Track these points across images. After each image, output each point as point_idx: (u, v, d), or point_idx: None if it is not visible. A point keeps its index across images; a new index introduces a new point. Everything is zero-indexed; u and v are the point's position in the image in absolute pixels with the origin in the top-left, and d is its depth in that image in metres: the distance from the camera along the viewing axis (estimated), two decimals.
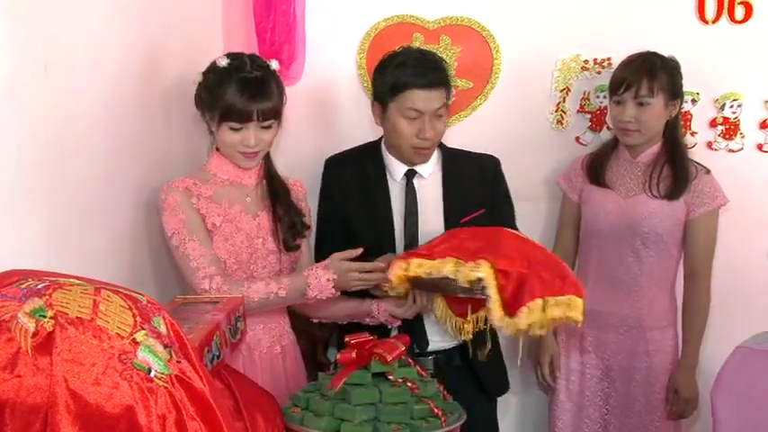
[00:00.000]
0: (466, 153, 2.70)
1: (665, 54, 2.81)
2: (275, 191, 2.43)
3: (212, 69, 2.32)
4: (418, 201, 2.58)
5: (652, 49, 2.82)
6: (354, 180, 2.62)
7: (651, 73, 2.72)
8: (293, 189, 2.50)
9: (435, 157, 2.62)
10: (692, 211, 2.79)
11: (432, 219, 2.57)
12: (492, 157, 2.71)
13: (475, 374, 2.62)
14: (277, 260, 2.39)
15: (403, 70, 2.47)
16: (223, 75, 2.28)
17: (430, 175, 2.60)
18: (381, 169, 2.61)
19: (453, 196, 2.59)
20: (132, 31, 2.32)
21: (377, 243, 2.50)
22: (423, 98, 2.45)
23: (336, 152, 2.76)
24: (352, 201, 2.61)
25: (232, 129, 2.27)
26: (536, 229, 3.02)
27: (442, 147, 2.65)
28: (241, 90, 2.25)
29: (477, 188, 2.63)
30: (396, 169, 2.60)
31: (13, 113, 1.74)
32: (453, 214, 2.56)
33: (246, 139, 2.28)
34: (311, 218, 2.58)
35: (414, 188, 2.59)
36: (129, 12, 2.29)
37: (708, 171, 2.84)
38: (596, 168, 2.87)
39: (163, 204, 2.29)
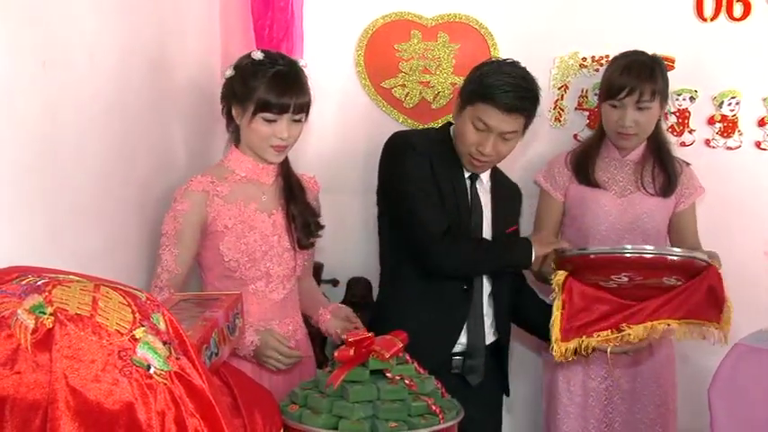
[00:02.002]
0: (501, 171, 2.74)
1: (651, 52, 2.82)
2: (291, 189, 2.44)
3: (248, 62, 2.34)
4: (482, 204, 2.61)
5: (651, 48, 2.83)
6: (438, 160, 2.56)
7: (652, 78, 2.73)
8: (308, 186, 2.52)
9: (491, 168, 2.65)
10: (680, 203, 2.87)
11: (483, 224, 2.60)
12: (516, 185, 2.80)
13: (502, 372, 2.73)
14: (292, 258, 2.41)
15: (494, 84, 2.44)
16: (259, 67, 2.31)
17: (486, 183, 2.63)
18: (458, 161, 2.58)
19: (499, 208, 2.64)
20: (130, 28, 2.31)
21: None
22: (496, 118, 2.43)
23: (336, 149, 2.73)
24: (438, 179, 2.55)
25: (267, 120, 2.29)
26: None
27: None
28: (279, 82, 2.29)
29: (510, 207, 2.72)
30: (465, 167, 2.59)
31: (10, 110, 1.73)
32: (498, 225, 2.62)
33: (279, 132, 2.30)
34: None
35: (476, 190, 2.60)
36: (126, 9, 2.29)
37: (688, 164, 2.91)
38: (585, 168, 2.87)
39: (173, 203, 2.33)
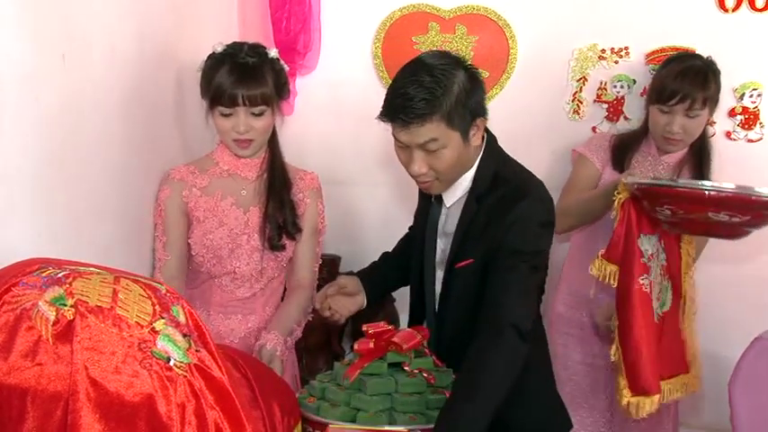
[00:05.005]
0: (504, 182, 2.12)
1: (700, 52, 2.79)
2: (273, 186, 2.40)
3: (210, 56, 2.32)
4: (441, 225, 2.22)
5: (671, 39, 2.83)
6: None
7: (705, 85, 2.68)
8: (300, 183, 2.45)
9: (467, 184, 2.14)
10: None
11: (447, 250, 2.20)
12: (520, 194, 2.08)
13: None
14: (260, 259, 2.38)
15: (390, 101, 2.04)
16: (217, 60, 2.29)
17: (453, 204, 2.17)
18: None
19: (461, 236, 2.15)
20: (148, 21, 2.32)
21: (411, 255, 2.32)
22: (402, 132, 2.04)
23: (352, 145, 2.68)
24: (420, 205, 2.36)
25: (222, 114, 2.27)
26: None
27: (481, 170, 2.14)
28: (229, 74, 2.24)
29: (487, 229, 2.10)
30: None
31: (32, 103, 1.75)
32: (451, 257, 2.16)
33: (236, 126, 2.27)
34: (322, 215, 2.50)
35: (440, 211, 2.22)
36: (144, 1, 2.30)
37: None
38: (622, 157, 2.85)
39: (158, 193, 2.38)
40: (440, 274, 2.19)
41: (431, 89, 1.99)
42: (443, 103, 1.99)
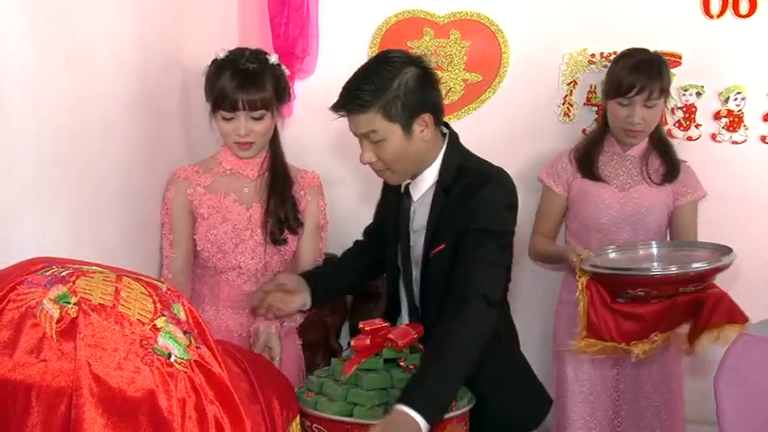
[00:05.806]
0: (468, 172, 2.20)
1: (654, 49, 2.85)
2: (274, 183, 2.46)
3: (213, 61, 2.39)
4: (410, 221, 2.27)
5: (658, 44, 2.86)
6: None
7: (659, 76, 2.77)
8: (301, 181, 2.52)
9: (432, 177, 2.21)
10: (677, 199, 2.89)
11: (419, 244, 2.26)
12: (485, 180, 2.17)
13: None
14: (263, 253, 2.44)
15: (341, 91, 2.17)
16: (219, 66, 2.36)
17: (422, 195, 2.24)
18: None
19: (433, 226, 2.20)
20: (150, 24, 2.36)
21: (385, 253, 2.38)
22: (348, 121, 2.17)
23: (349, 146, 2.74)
24: (385, 201, 2.46)
25: (224, 118, 2.35)
26: None
27: (445, 163, 2.21)
28: (230, 79, 2.32)
29: (455, 214, 2.16)
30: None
31: (35, 105, 1.78)
32: (426, 246, 2.22)
33: (237, 129, 2.35)
34: (324, 211, 2.57)
35: (409, 207, 2.27)
36: (146, 6, 2.34)
37: (684, 161, 2.93)
38: (588, 162, 2.90)
39: (164, 193, 2.45)
40: (415, 270, 2.27)
41: (372, 83, 2.10)
42: (380, 97, 2.09)
